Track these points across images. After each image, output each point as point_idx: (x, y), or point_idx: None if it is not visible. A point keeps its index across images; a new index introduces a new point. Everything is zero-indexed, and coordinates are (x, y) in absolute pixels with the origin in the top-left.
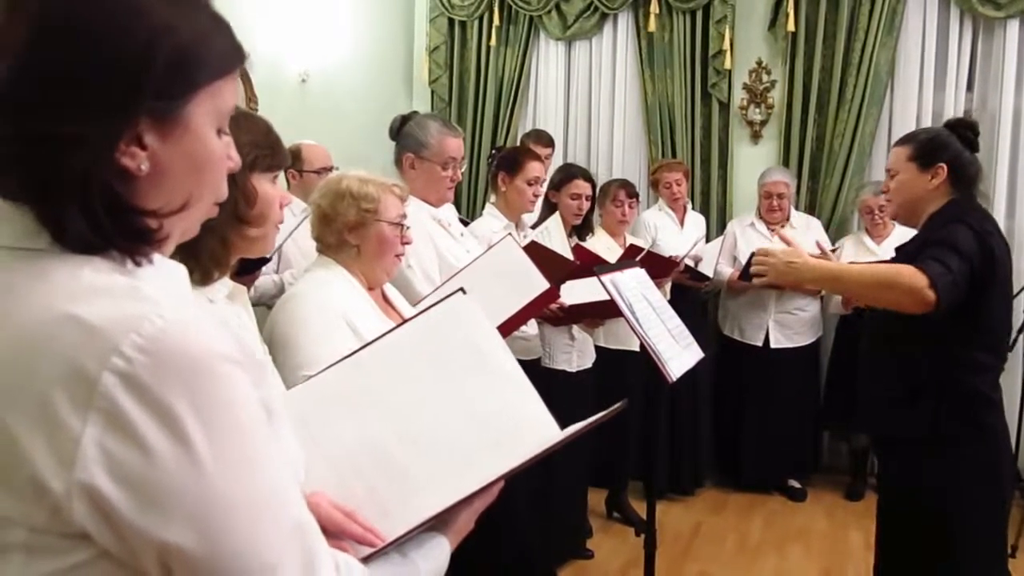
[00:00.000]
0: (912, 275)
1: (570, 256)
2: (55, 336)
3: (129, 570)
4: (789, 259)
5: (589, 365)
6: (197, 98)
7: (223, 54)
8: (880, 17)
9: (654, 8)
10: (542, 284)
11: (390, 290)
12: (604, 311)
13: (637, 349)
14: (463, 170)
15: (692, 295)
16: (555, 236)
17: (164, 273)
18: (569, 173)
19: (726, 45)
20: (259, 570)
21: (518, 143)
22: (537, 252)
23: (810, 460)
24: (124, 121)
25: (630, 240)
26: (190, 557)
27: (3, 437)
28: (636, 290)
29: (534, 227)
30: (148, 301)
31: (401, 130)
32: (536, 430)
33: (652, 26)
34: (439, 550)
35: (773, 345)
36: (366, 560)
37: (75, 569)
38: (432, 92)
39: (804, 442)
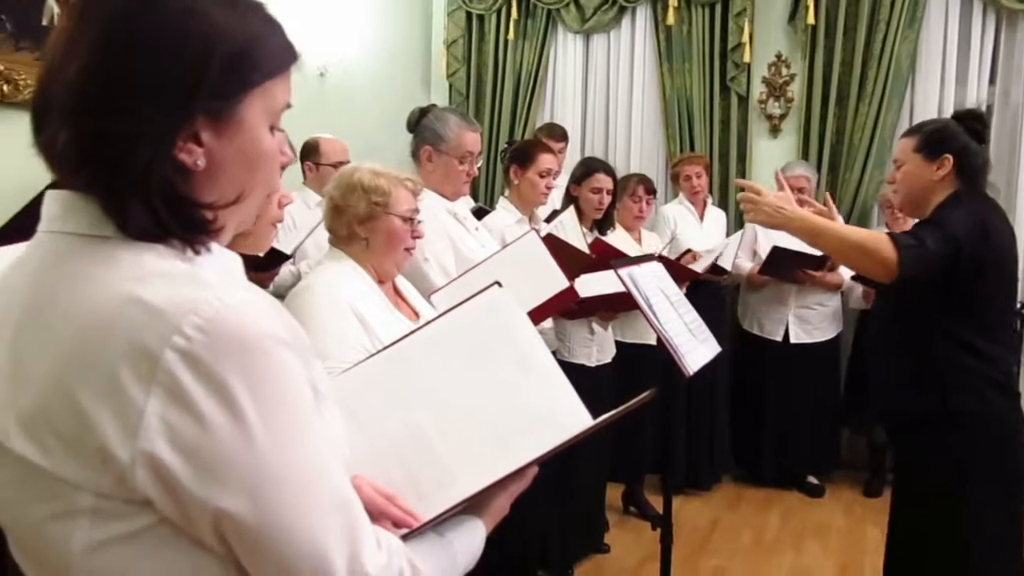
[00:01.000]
0: (885, 243)
1: (585, 249)
2: (122, 316)
3: (186, 537)
4: (780, 203)
5: (608, 360)
6: (251, 97)
7: (276, 55)
8: (901, 9)
9: (673, 1)
10: (562, 282)
11: (402, 283)
12: (618, 304)
13: (655, 343)
14: (479, 164)
15: (711, 289)
16: (569, 229)
17: (220, 261)
18: (590, 167)
19: (745, 38)
20: (305, 539)
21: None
22: (553, 245)
23: (829, 456)
24: (182, 119)
25: (646, 235)
26: (242, 524)
27: (74, 409)
28: (653, 283)
29: (548, 220)
30: (207, 285)
31: (419, 123)
32: (568, 418)
33: (671, 19)
34: (475, 532)
35: (793, 340)
36: (404, 539)
37: (137, 534)
38: (450, 86)
39: (823, 438)
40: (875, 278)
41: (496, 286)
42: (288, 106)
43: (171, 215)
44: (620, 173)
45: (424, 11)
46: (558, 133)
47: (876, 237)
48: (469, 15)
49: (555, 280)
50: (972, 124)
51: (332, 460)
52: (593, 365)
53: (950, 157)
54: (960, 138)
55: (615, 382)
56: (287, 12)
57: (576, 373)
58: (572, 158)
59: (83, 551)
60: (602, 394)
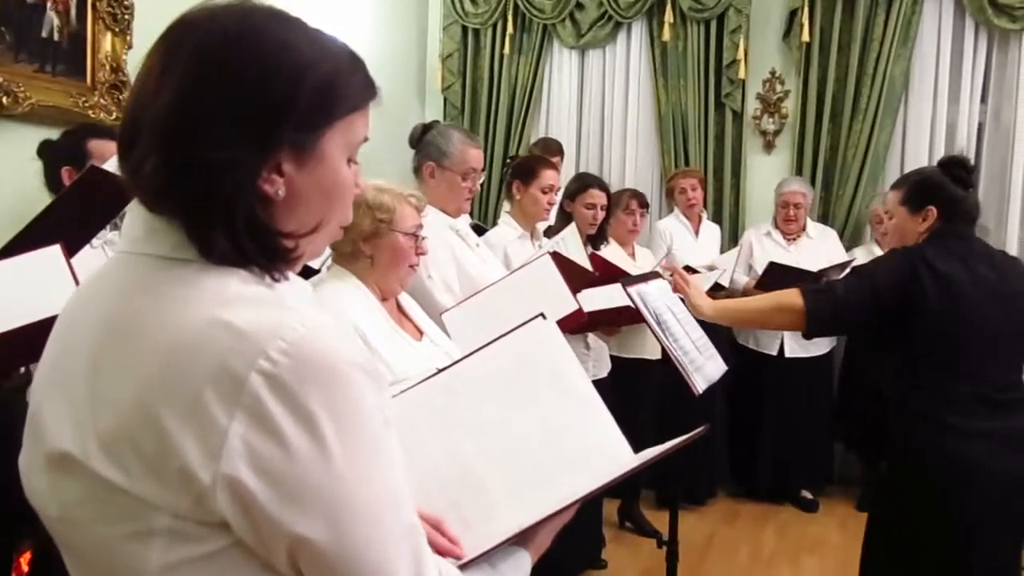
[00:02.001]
0: (793, 296)
1: (588, 265)
2: (207, 339)
3: (258, 560)
4: (694, 301)
5: (604, 375)
6: (333, 130)
7: (358, 90)
8: (895, 28)
9: (668, 17)
10: (572, 304)
11: (406, 300)
12: (620, 318)
13: (651, 358)
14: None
15: None
16: (571, 245)
17: (296, 288)
18: (584, 183)
19: (740, 55)
20: (376, 567)
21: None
22: (558, 262)
23: (822, 470)
24: (270, 150)
25: (639, 250)
26: (317, 550)
27: (156, 429)
28: (661, 301)
29: (547, 235)
30: (291, 310)
31: (423, 138)
32: (611, 453)
33: (666, 35)
34: (523, 563)
35: (788, 354)
36: (459, 569)
37: (211, 556)
38: (445, 99)
39: (817, 452)
40: (796, 330)
41: (540, 317)
42: (366, 139)
43: (253, 243)
44: (615, 188)
45: (419, 24)
46: (554, 148)
47: (785, 294)
48: (465, 29)
49: (565, 302)
50: (956, 172)
51: (403, 488)
52: (589, 379)
53: (934, 209)
54: (945, 188)
55: (611, 396)
56: None
57: None
58: (567, 173)
59: (156, 572)
60: None
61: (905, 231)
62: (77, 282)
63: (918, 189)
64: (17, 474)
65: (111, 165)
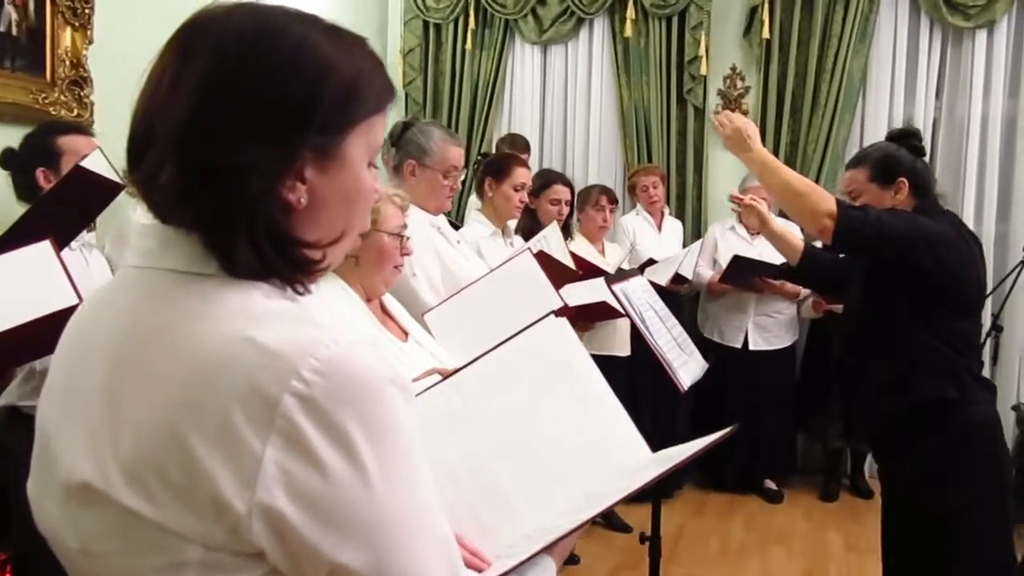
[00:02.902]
0: (824, 198)
1: (571, 264)
2: (235, 358)
3: None
4: (748, 132)
5: None
6: (355, 134)
7: (379, 91)
8: (853, 25)
9: (630, 13)
10: (556, 302)
11: (389, 301)
12: (595, 314)
13: (621, 355)
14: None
15: (670, 297)
16: (554, 244)
17: (320, 300)
18: (548, 179)
19: (702, 51)
20: None
21: (493, 147)
22: (542, 261)
23: (787, 461)
24: (293, 154)
25: (608, 246)
26: (358, 574)
27: (184, 455)
28: (643, 299)
29: (517, 232)
30: (321, 326)
31: (403, 136)
32: (629, 451)
33: (628, 31)
34: (549, 571)
35: (752, 347)
36: None
37: None
38: (407, 95)
39: (781, 443)
40: (809, 228)
41: (552, 315)
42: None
43: (276, 254)
44: (578, 183)
45: (380, 19)
46: (521, 144)
47: (821, 189)
48: (426, 24)
49: (549, 300)
50: (909, 141)
51: (435, 498)
52: None
53: (904, 180)
54: (906, 158)
55: None
56: None
57: None
58: (531, 168)
59: None
60: None
61: (882, 207)
62: (69, 277)
63: (885, 164)
64: None
65: (91, 163)
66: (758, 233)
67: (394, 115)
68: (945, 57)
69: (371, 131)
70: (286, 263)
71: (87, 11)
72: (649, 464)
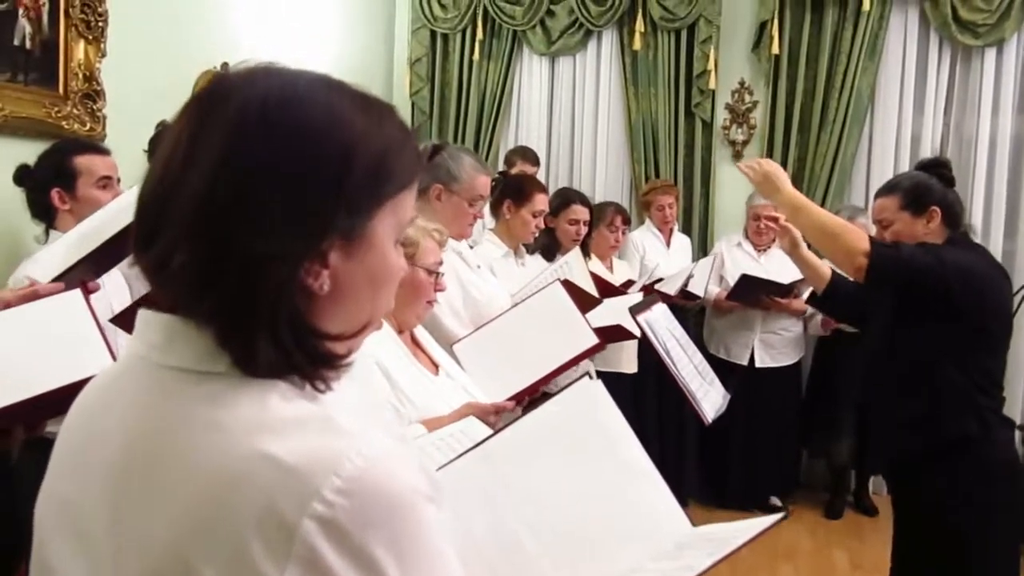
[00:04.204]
0: (858, 237)
1: (593, 290)
2: (250, 477)
3: None
4: (777, 175)
5: None
6: (383, 211)
7: (409, 164)
8: (862, 42)
9: (639, 26)
10: (591, 339)
11: (420, 333)
12: (610, 336)
13: (628, 372)
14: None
15: (676, 313)
16: (576, 270)
17: (344, 399)
18: (567, 198)
19: (710, 65)
20: None
21: (502, 158)
22: (568, 291)
23: (791, 478)
24: (318, 237)
25: (617, 264)
26: None
27: None
28: (665, 327)
29: (534, 251)
30: (344, 435)
31: (432, 159)
32: (665, 532)
33: (637, 44)
34: None
35: (758, 364)
36: None
37: None
38: (413, 104)
39: (786, 460)
40: (843, 268)
41: (586, 377)
42: (414, 219)
43: (298, 348)
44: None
45: (387, 29)
46: (532, 157)
47: (854, 228)
48: (434, 34)
49: (583, 336)
50: (940, 171)
51: None
52: None
53: (936, 209)
54: (937, 187)
55: None
56: (249, 32)
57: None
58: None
59: None
60: None
61: (910, 236)
62: (100, 327)
63: (916, 192)
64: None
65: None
66: (765, 250)
67: (438, 139)
68: (954, 75)
69: (400, 208)
70: (308, 358)
71: (100, 24)
72: (690, 541)
